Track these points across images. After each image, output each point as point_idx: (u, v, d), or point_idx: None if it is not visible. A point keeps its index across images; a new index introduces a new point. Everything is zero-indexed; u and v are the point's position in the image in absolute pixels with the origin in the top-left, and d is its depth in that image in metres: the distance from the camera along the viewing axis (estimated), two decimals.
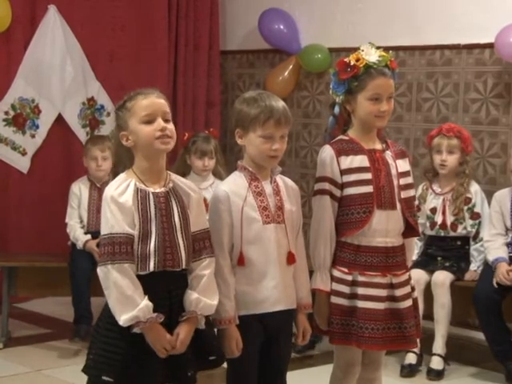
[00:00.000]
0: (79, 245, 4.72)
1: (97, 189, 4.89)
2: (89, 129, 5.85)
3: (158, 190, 2.66)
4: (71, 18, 5.71)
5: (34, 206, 5.67)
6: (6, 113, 5.55)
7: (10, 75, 5.54)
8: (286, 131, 2.82)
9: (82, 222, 4.86)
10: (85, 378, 2.70)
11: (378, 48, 2.96)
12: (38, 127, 5.66)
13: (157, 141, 2.62)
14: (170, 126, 2.66)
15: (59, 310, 5.35)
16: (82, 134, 5.80)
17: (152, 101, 2.65)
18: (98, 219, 4.76)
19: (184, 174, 4.47)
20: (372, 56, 2.92)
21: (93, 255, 4.63)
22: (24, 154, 5.63)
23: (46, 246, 5.48)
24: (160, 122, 2.63)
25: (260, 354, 2.84)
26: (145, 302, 2.55)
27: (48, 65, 5.63)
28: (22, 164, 5.63)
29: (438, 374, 4.36)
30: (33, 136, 5.65)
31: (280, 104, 2.82)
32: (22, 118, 5.60)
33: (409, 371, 4.39)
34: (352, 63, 2.93)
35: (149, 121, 2.63)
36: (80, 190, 4.89)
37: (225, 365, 2.84)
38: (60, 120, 5.74)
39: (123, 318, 2.54)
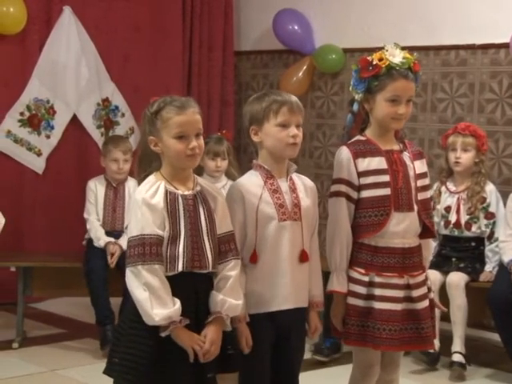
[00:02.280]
0: (100, 244, 4.71)
1: (113, 188, 4.90)
2: (103, 129, 5.86)
3: (186, 193, 2.68)
4: (86, 19, 5.74)
5: (48, 207, 5.70)
6: (22, 114, 5.58)
7: (26, 76, 5.57)
8: (301, 120, 2.82)
9: (99, 219, 4.87)
10: (99, 378, 2.71)
11: (402, 49, 2.93)
12: (52, 128, 5.69)
13: (186, 158, 2.66)
14: (200, 141, 2.69)
15: (74, 310, 5.36)
16: (96, 135, 5.82)
17: (187, 119, 2.66)
18: (114, 218, 4.86)
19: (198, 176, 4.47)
20: (396, 57, 2.89)
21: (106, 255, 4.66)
22: (39, 154, 5.65)
23: (61, 246, 5.50)
24: (192, 142, 2.65)
25: (272, 353, 2.83)
26: (178, 304, 2.58)
27: (63, 66, 5.65)
28: (37, 164, 5.65)
29: (462, 366, 4.31)
30: (48, 137, 5.68)
31: (291, 95, 2.84)
32: (37, 119, 5.63)
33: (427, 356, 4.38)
34: (374, 62, 2.90)
35: (181, 136, 2.65)
36: (96, 187, 4.89)
37: None
38: (75, 121, 5.76)
39: (156, 314, 2.54)
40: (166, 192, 2.65)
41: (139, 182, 2.71)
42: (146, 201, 2.61)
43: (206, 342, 2.62)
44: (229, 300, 2.66)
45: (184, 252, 2.62)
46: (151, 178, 2.68)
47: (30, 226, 5.64)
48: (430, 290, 3.04)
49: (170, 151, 2.66)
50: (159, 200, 2.62)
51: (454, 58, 5.28)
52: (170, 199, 2.64)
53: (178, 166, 2.69)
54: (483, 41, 5.11)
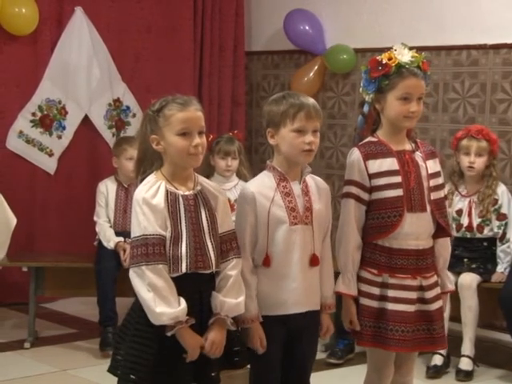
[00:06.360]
0: (110, 245, 4.72)
1: (124, 189, 4.90)
2: (115, 130, 5.88)
3: (187, 193, 2.68)
4: (97, 20, 5.76)
5: (60, 207, 5.72)
6: (33, 114, 5.60)
7: (37, 77, 5.59)
8: (318, 125, 2.81)
9: (109, 221, 4.87)
10: (110, 378, 2.71)
11: (410, 49, 2.94)
12: (64, 128, 5.71)
13: (189, 156, 2.65)
14: (203, 139, 2.68)
15: (85, 310, 5.37)
16: (107, 135, 5.84)
17: (190, 115, 2.66)
18: (125, 219, 4.86)
19: (208, 176, 4.47)
20: (404, 56, 2.91)
21: (119, 256, 4.66)
22: (51, 154, 5.67)
23: (73, 246, 5.52)
24: (195, 139, 2.64)
25: (284, 354, 2.83)
26: (184, 304, 2.58)
27: (74, 66, 5.67)
28: (49, 165, 5.67)
29: (467, 375, 4.33)
30: (59, 137, 5.70)
31: (309, 99, 2.82)
32: (48, 120, 5.65)
33: (434, 371, 4.37)
34: (384, 62, 2.91)
35: (184, 133, 2.64)
36: (107, 189, 4.90)
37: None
38: (86, 121, 5.78)
39: (163, 314, 2.54)
40: (167, 192, 2.64)
41: (139, 184, 2.70)
42: (147, 201, 2.60)
43: (207, 344, 2.63)
44: (228, 301, 2.66)
45: (187, 253, 2.62)
46: (151, 178, 2.67)
47: (42, 226, 5.65)
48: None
49: (172, 149, 2.65)
50: (160, 200, 2.61)
51: (465, 58, 5.26)
52: (171, 199, 2.64)
53: (180, 164, 2.67)
54: (495, 41, 5.09)
